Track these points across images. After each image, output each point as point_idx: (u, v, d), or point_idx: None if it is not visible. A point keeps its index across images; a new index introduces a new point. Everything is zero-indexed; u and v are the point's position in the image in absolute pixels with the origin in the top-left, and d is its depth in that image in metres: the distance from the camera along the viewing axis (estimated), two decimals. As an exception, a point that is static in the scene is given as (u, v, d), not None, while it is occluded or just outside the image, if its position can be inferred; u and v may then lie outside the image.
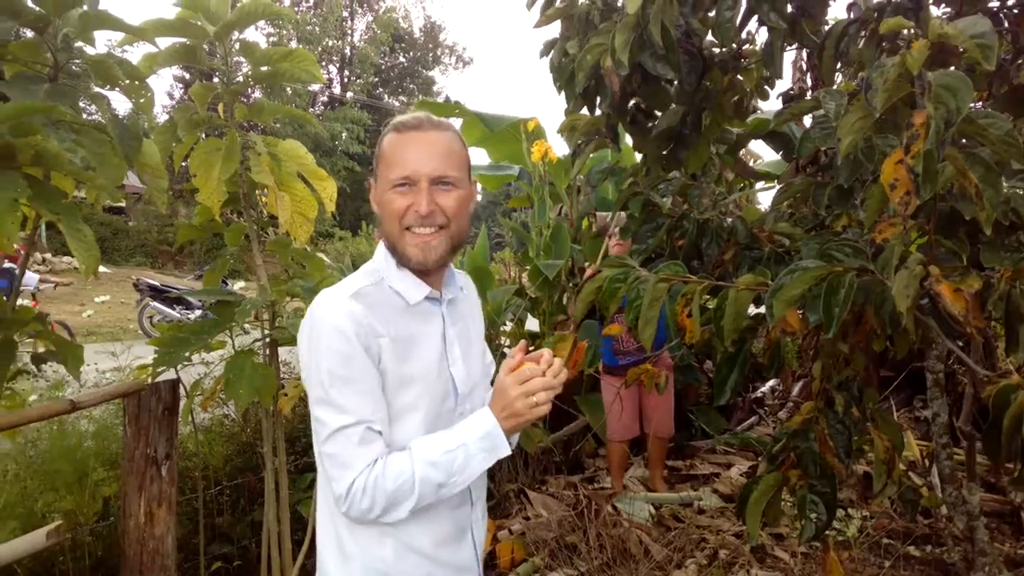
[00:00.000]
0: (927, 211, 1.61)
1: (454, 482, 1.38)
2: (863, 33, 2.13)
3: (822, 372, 2.11)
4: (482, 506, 1.65)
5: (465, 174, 1.50)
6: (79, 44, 2.08)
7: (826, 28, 2.24)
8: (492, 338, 5.11)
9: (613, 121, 2.39)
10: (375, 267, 1.51)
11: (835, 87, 2.21)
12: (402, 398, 1.42)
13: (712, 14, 2.32)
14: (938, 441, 2.92)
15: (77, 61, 2.08)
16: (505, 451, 1.41)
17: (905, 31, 1.63)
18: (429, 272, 1.48)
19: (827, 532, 2.04)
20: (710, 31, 2.37)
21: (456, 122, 5.91)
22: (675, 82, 2.45)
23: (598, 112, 2.40)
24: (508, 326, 5.28)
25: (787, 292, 1.62)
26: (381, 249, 1.52)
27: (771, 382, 6.48)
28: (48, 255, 20.15)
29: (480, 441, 1.39)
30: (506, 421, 1.40)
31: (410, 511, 1.36)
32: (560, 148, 5.46)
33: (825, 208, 2.03)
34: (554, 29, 2.59)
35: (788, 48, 2.33)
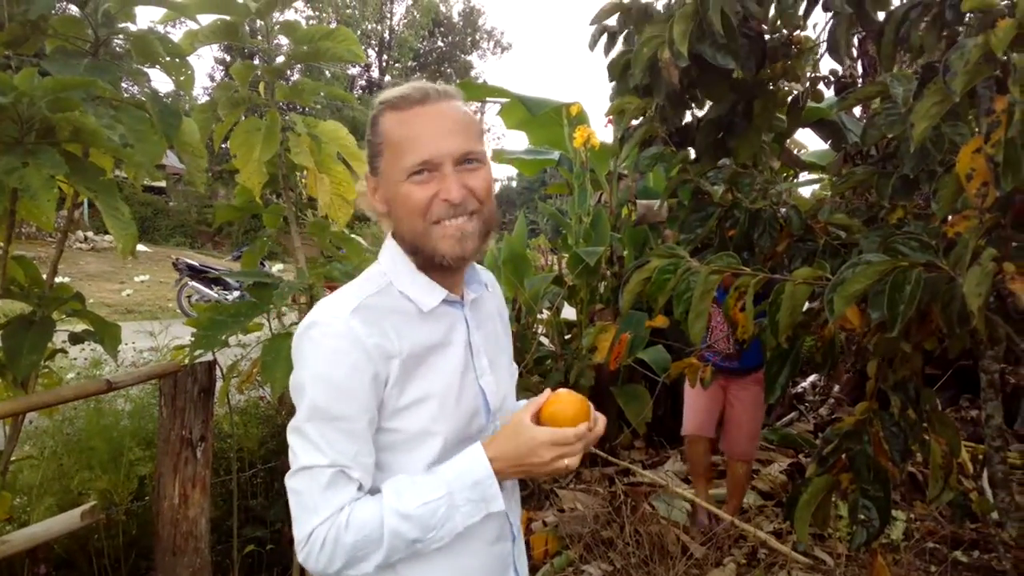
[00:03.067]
0: (1003, 203, 1.52)
1: (432, 538, 1.15)
2: (925, 18, 2.02)
3: (877, 371, 2.03)
4: (522, 539, 1.43)
5: (484, 146, 1.26)
6: (122, 25, 2.06)
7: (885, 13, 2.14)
8: (528, 326, 5.06)
9: (669, 114, 2.30)
10: (380, 270, 1.27)
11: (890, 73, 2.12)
12: (414, 422, 1.20)
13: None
14: (991, 444, 2.80)
15: (118, 37, 2.05)
16: (498, 506, 1.18)
17: (971, 13, 1.54)
18: (455, 268, 1.25)
19: (876, 537, 1.96)
20: (771, 16, 2.29)
21: (494, 106, 5.86)
22: (732, 71, 2.37)
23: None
24: (544, 314, 5.22)
25: (849, 287, 1.54)
26: (389, 249, 1.28)
27: (811, 377, 6.35)
28: (90, 233, 20.49)
29: (468, 491, 1.16)
30: (513, 471, 1.18)
31: (378, 566, 1.15)
32: (601, 135, 5.36)
33: (888, 199, 1.93)
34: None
35: (854, 33, 2.24)
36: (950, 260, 1.49)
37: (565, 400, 1.22)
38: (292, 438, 1.18)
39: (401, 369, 1.18)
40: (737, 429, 3.87)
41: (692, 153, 2.60)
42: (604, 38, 2.54)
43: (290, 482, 1.18)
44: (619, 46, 2.49)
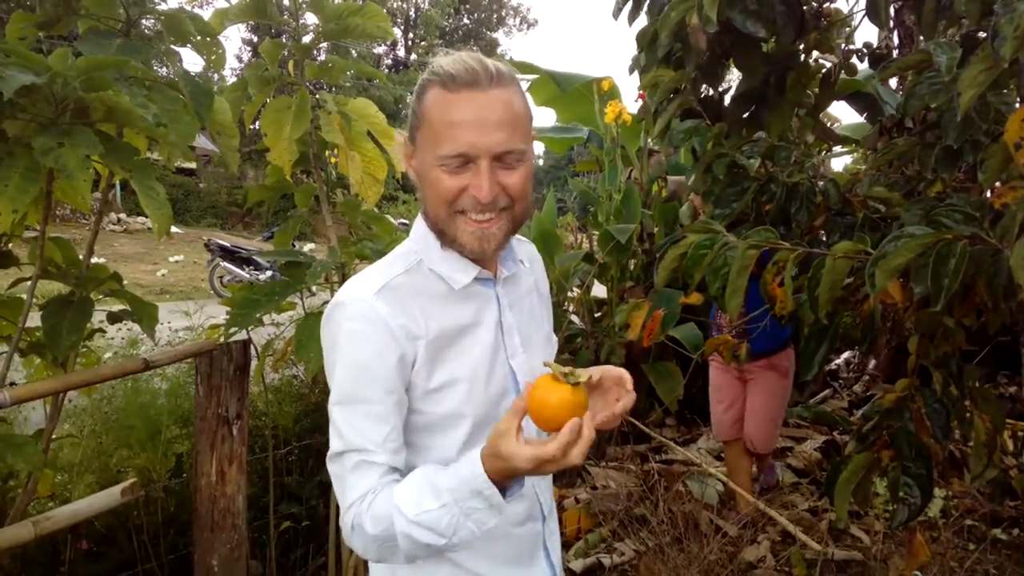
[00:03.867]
0: (1053, 174, 1.47)
1: (455, 543, 1.09)
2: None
3: (918, 347, 1.99)
4: (555, 518, 1.40)
5: (530, 141, 1.18)
6: (152, 4, 2.05)
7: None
8: (559, 303, 5.04)
9: (700, 84, 2.26)
10: (412, 247, 1.24)
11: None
12: (444, 405, 1.18)
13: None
14: (1034, 421, 2.77)
15: (149, 17, 2.05)
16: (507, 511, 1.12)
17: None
18: (475, 260, 1.21)
19: (914, 515, 1.93)
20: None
21: (525, 81, 5.79)
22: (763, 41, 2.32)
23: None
24: (574, 292, 5.19)
25: (891, 261, 1.50)
26: (420, 225, 1.24)
27: (846, 354, 6.28)
28: (123, 215, 20.75)
29: (473, 501, 1.07)
30: (506, 478, 1.08)
31: (409, 561, 1.14)
32: (631, 110, 5.28)
33: (931, 170, 1.88)
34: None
35: (891, 2, 2.18)
36: (997, 232, 1.45)
37: (545, 390, 1.05)
38: (330, 420, 1.18)
39: (427, 351, 1.16)
40: (752, 419, 3.68)
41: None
42: (628, 6, 2.48)
43: (328, 466, 1.19)
44: (643, 15, 2.44)
